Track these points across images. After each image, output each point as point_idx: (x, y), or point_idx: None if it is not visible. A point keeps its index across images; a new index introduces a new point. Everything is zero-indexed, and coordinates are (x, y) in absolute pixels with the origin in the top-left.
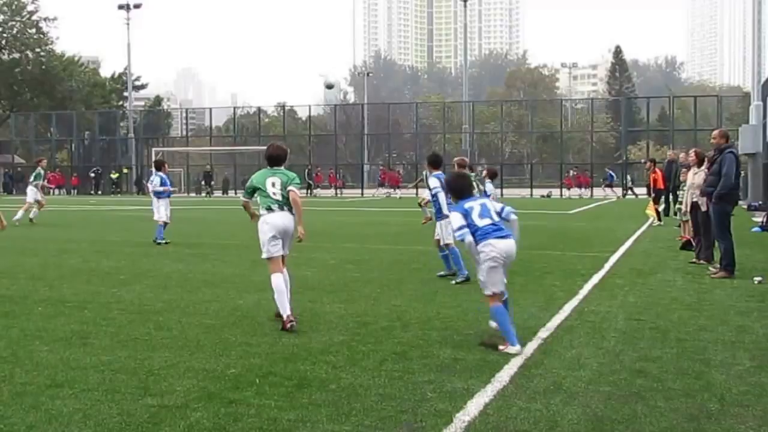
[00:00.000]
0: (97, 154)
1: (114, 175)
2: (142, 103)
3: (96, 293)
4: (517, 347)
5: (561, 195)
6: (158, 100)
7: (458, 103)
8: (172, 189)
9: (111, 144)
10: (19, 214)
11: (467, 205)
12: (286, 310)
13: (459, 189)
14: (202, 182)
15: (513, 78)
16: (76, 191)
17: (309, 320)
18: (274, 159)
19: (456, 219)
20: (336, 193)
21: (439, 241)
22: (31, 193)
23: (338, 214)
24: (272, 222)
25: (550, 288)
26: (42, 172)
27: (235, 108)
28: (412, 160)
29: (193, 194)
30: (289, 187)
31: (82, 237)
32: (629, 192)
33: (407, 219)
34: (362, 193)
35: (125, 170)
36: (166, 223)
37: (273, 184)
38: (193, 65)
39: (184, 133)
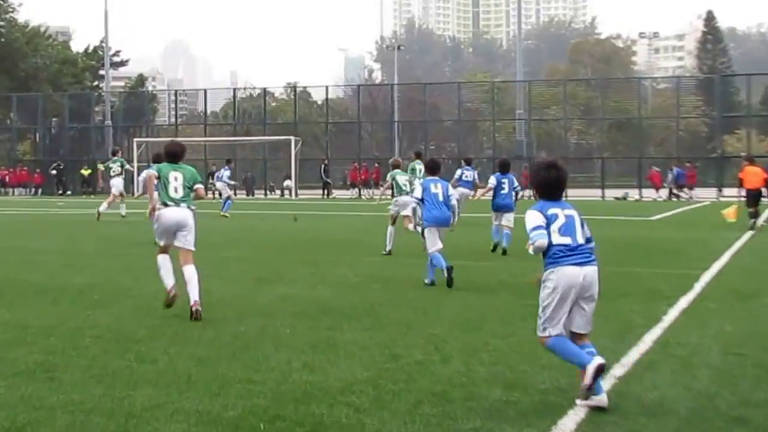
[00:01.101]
0: (66, 146)
1: (86, 172)
2: (122, 84)
3: (65, 316)
4: (596, 360)
5: (640, 196)
6: (141, 79)
7: (511, 83)
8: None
9: (84, 133)
10: (103, 206)
11: (551, 210)
12: (171, 281)
13: (544, 185)
14: (209, 182)
15: (579, 51)
16: (40, 191)
17: (325, 352)
18: (173, 155)
19: (533, 217)
20: (359, 194)
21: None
22: (119, 184)
23: (361, 219)
24: (166, 217)
25: (627, 314)
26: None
27: (235, 89)
28: (454, 153)
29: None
30: (196, 186)
31: (48, 247)
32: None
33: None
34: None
35: (100, 166)
36: None
37: (176, 178)
38: (184, 37)
39: (173, 120)
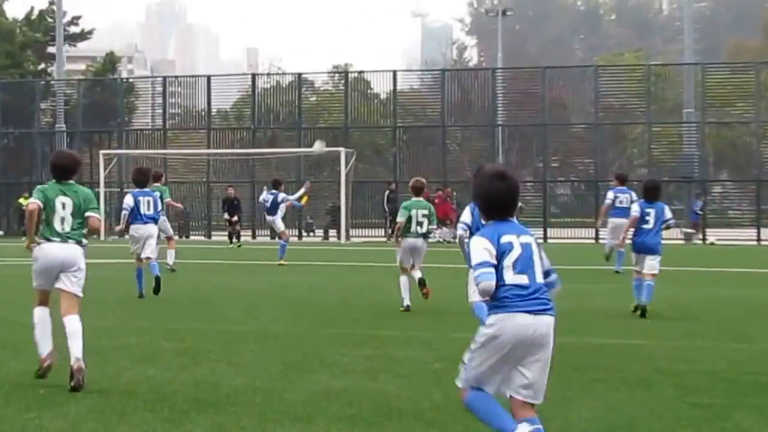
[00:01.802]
0: None
1: (26, 201)
2: (83, 68)
3: None
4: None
5: None
6: (112, 61)
7: (675, 67)
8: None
9: (23, 142)
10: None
11: (506, 238)
12: (47, 347)
13: (492, 202)
14: (224, 215)
15: None
16: None
17: None
18: (61, 170)
19: (480, 248)
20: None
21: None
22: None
23: (446, 274)
24: (47, 254)
25: None
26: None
27: (254, 76)
28: (588, 172)
29: (179, 234)
30: (88, 213)
31: None
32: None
33: (576, 286)
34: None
35: None
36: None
37: (63, 206)
38: None
39: (160, 121)
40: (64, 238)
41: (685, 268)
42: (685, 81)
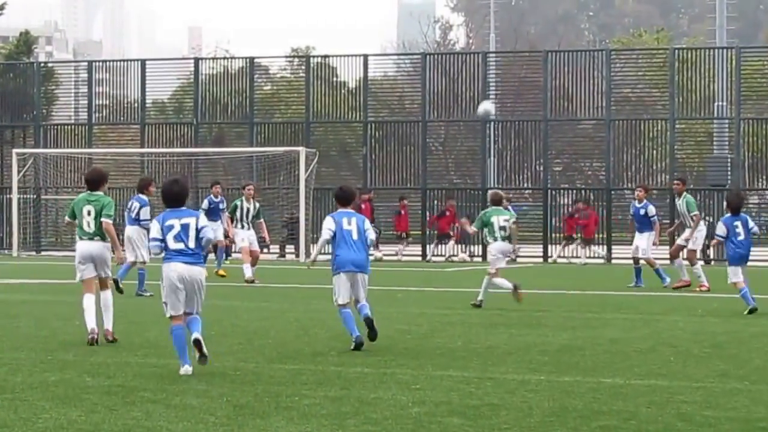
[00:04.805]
0: None
1: None
2: None
3: None
4: (187, 368)
5: None
6: (26, 41)
7: (704, 51)
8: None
9: None
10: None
11: (169, 222)
12: (91, 323)
13: (166, 198)
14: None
15: None
16: None
17: None
18: (90, 183)
19: (154, 229)
20: (438, 251)
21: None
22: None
23: (433, 299)
24: (80, 250)
25: None
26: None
27: (197, 60)
28: (599, 180)
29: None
30: (102, 219)
31: None
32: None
33: (585, 315)
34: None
35: None
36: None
37: (88, 213)
38: None
39: (85, 114)
40: (91, 237)
41: (717, 295)
42: (716, 68)
